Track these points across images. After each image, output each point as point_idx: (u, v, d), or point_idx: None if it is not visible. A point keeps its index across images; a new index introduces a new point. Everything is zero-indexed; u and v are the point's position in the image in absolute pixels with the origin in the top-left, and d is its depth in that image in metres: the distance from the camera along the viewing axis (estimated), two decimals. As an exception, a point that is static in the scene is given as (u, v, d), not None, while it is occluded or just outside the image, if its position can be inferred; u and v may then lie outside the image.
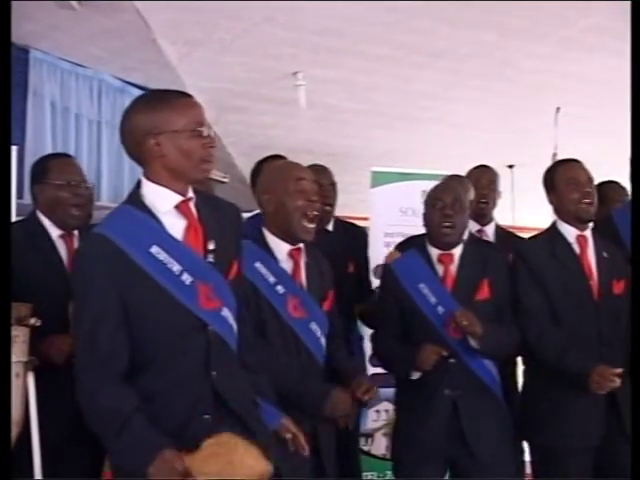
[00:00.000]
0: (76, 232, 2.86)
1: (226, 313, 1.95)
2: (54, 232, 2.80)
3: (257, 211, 3.39)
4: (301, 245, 2.56)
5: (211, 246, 1.94)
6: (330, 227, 3.62)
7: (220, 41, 5.19)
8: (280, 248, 2.53)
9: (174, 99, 1.93)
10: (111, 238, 1.86)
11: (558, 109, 6.17)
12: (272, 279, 2.47)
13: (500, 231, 3.81)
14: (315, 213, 2.53)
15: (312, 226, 2.52)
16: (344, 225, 3.79)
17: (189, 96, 1.98)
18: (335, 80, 5.93)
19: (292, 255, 2.54)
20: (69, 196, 2.80)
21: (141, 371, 1.86)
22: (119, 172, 6.02)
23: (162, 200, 1.92)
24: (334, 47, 5.32)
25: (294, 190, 2.49)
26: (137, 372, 1.86)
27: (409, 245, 3.23)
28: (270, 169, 2.67)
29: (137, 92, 6.10)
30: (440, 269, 2.86)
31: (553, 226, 3.03)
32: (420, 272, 2.86)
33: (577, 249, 2.93)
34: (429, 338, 2.76)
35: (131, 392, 1.82)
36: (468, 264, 2.86)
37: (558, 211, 3.02)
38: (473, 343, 2.71)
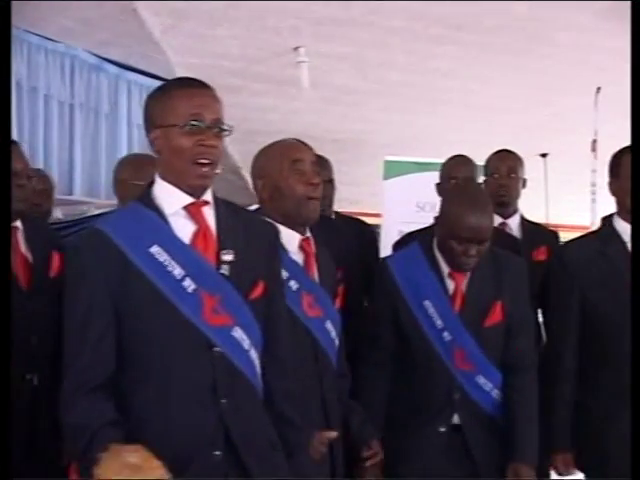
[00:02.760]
0: (19, 224, 2.87)
1: (239, 334, 1.95)
2: None
3: (257, 206, 3.39)
4: (309, 234, 2.55)
5: (227, 257, 1.95)
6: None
7: (210, 11, 5.18)
8: (289, 238, 2.50)
9: (175, 88, 1.97)
10: (107, 233, 1.89)
11: (598, 89, 6.14)
12: (285, 274, 2.45)
13: (526, 224, 3.79)
14: (315, 195, 2.48)
15: (315, 203, 2.48)
16: (347, 221, 3.77)
17: (197, 84, 1.99)
18: (342, 56, 5.92)
19: (303, 247, 2.52)
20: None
21: (133, 388, 1.89)
22: (94, 162, 6.02)
23: (169, 200, 1.95)
24: (341, 18, 5.32)
25: (290, 173, 2.47)
26: (130, 391, 1.88)
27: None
28: (262, 150, 2.65)
29: (115, 70, 6.12)
30: (450, 285, 2.82)
31: (609, 224, 3.02)
32: (428, 286, 2.79)
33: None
34: (431, 366, 2.75)
35: (106, 407, 1.85)
36: (481, 281, 2.83)
37: (618, 203, 3.01)
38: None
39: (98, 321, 1.87)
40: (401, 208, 4.81)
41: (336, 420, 2.49)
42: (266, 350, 2.05)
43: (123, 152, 6.17)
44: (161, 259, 1.89)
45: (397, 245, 3.57)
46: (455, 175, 3.61)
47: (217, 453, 1.88)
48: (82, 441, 1.81)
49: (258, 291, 2.02)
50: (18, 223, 2.89)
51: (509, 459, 2.69)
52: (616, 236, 2.95)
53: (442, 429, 2.75)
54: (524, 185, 3.80)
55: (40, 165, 5.44)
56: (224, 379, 1.91)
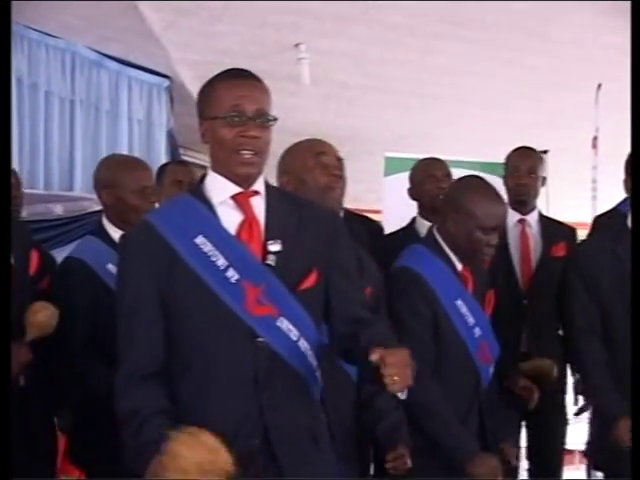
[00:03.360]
0: None
1: (285, 325, 1.95)
2: None
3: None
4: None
5: (274, 247, 1.96)
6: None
7: (211, 8, 5.18)
8: None
9: (219, 79, 2.02)
10: (155, 224, 1.96)
11: (599, 86, 6.13)
12: None
13: (545, 220, 3.78)
14: (338, 185, 2.58)
15: (336, 195, 2.57)
16: (355, 219, 3.76)
17: (240, 74, 2.03)
18: (343, 53, 5.92)
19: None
20: None
21: (180, 378, 1.93)
22: (95, 159, 5.98)
23: (218, 190, 2.00)
24: (342, 15, 5.31)
25: (314, 165, 2.54)
26: (176, 379, 1.93)
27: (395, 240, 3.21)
28: (287, 149, 2.71)
29: (116, 66, 6.10)
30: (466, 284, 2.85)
31: (622, 220, 3.02)
32: (453, 284, 2.81)
33: None
34: (461, 364, 2.78)
35: (158, 394, 1.90)
36: (479, 277, 2.87)
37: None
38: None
39: (148, 311, 1.92)
40: (401, 205, 4.79)
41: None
42: (351, 323, 2.03)
43: (124, 148, 6.17)
44: (205, 249, 1.93)
45: (393, 235, 3.57)
46: (433, 173, 3.60)
47: (255, 442, 1.89)
48: (132, 427, 1.86)
49: (311, 281, 2.00)
50: None
51: None
52: (628, 233, 2.94)
53: (474, 429, 2.81)
54: (543, 183, 3.80)
55: (41, 162, 5.45)
56: (266, 369, 1.92)
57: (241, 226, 1.96)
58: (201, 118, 2.02)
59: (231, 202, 1.98)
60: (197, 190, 2.03)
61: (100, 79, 6.07)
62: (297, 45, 5.76)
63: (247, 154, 1.95)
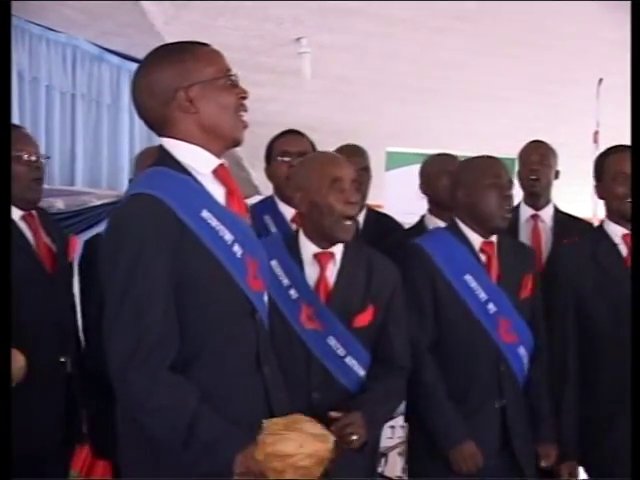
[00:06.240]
0: (34, 213, 2.90)
1: (266, 299, 1.97)
2: (14, 213, 2.83)
3: (266, 195, 3.40)
4: (334, 249, 2.52)
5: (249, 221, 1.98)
6: (360, 218, 3.56)
7: (212, 2, 5.18)
8: (307, 249, 2.52)
9: (197, 48, 1.95)
10: (160, 198, 1.77)
11: (600, 80, 6.12)
12: (286, 281, 2.47)
13: (560, 215, 3.74)
14: (354, 213, 2.51)
15: (350, 223, 2.49)
16: (378, 216, 3.75)
17: (208, 45, 1.98)
18: (344, 47, 5.91)
19: (319, 259, 2.52)
20: (26, 169, 2.82)
21: (189, 364, 1.79)
22: (96, 153, 6.02)
23: (201, 162, 1.89)
24: (343, 9, 5.30)
25: (329, 191, 2.46)
26: (185, 365, 1.78)
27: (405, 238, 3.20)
28: (303, 162, 2.66)
29: (117, 60, 6.10)
30: (483, 259, 2.84)
31: (600, 226, 3.04)
32: (464, 260, 2.80)
33: (624, 251, 2.93)
34: (475, 340, 2.75)
35: (188, 382, 1.76)
36: (509, 256, 2.86)
37: (606, 206, 3.02)
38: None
39: (162, 299, 1.75)
40: (402, 199, 4.80)
41: None
42: None
43: (125, 143, 6.18)
44: (213, 224, 1.83)
45: (412, 229, 3.56)
46: (449, 169, 3.56)
47: (264, 421, 1.83)
48: (181, 422, 1.71)
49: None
50: (34, 211, 2.91)
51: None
52: (606, 238, 2.97)
53: (497, 405, 2.77)
54: (557, 176, 3.77)
55: (42, 156, 5.45)
56: (265, 346, 1.92)
57: (228, 198, 1.91)
58: (183, 87, 1.86)
59: (210, 175, 1.90)
60: (170, 162, 1.87)
61: (101, 73, 6.08)
62: (298, 39, 5.76)
63: (244, 117, 1.93)
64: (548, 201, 3.70)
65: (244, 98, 1.93)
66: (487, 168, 2.84)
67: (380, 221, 3.72)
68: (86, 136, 5.94)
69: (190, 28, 5.52)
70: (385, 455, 4.50)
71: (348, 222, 2.47)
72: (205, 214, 1.83)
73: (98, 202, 5.44)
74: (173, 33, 5.56)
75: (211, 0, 5.06)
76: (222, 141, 1.92)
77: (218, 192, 1.91)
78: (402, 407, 4.05)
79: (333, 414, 2.31)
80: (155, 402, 1.73)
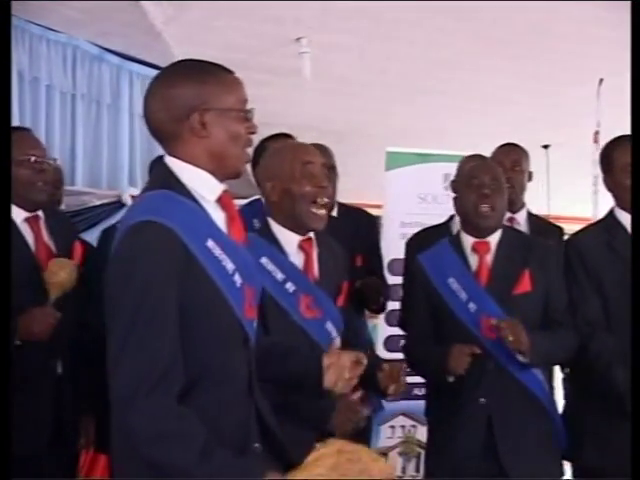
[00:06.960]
0: (41, 214, 2.90)
1: (255, 324, 1.98)
2: (17, 215, 2.83)
3: (254, 197, 3.39)
4: (312, 235, 2.57)
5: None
6: (334, 213, 3.59)
7: (212, 2, 5.17)
8: (289, 240, 2.54)
9: (221, 72, 1.94)
10: (170, 227, 1.77)
11: (601, 80, 6.12)
12: (280, 275, 2.48)
13: (534, 219, 3.79)
14: (326, 200, 2.55)
15: (323, 212, 2.54)
16: (349, 211, 3.77)
17: (232, 72, 1.98)
18: (344, 47, 5.91)
19: (303, 247, 2.55)
20: (31, 173, 2.83)
21: (188, 391, 1.78)
22: (96, 153, 6.01)
23: (208, 188, 1.90)
24: (344, 8, 5.30)
25: (301, 175, 2.51)
26: (184, 392, 1.77)
27: (427, 236, 3.26)
28: (272, 152, 2.68)
29: (117, 60, 6.10)
30: (474, 260, 2.91)
31: (610, 214, 3.03)
32: (450, 265, 2.90)
33: None
34: (461, 340, 2.79)
35: (193, 414, 1.75)
36: (506, 253, 2.89)
37: (615, 197, 3.01)
38: (520, 357, 2.74)
39: (171, 326, 1.75)
40: (403, 199, 4.80)
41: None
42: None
43: (125, 143, 6.17)
44: (216, 253, 1.83)
45: (415, 237, 3.59)
46: None
47: (256, 445, 1.88)
48: (194, 447, 1.69)
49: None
50: (40, 213, 2.92)
51: None
52: (620, 227, 2.96)
53: (482, 400, 2.80)
54: (530, 178, 3.80)
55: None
56: (254, 372, 1.93)
57: (230, 226, 1.92)
58: (200, 109, 1.85)
59: (212, 201, 1.91)
60: (176, 186, 1.87)
61: (101, 73, 6.06)
62: (298, 39, 5.75)
63: (248, 151, 1.95)
64: (523, 204, 3.75)
65: (253, 133, 1.94)
66: (465, 168, 3.01)
67: (353, 216, 3.74)
68: (86, 136, 5.93)
69: (190, 28, 5.53)
70: (385, 455, 4.50)
71: (321, 211, 2.51)
72: (210, 243, 1.83)
73: (98, 202, 5.45)
74: (173, 33, 5.57)
75: (211, 0, 5.06)
76: (225, 170, 1.92)
77: (219, 218, 1.92)
78: (402, 407, 4.08)
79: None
80: (166, 429, 1.71)
